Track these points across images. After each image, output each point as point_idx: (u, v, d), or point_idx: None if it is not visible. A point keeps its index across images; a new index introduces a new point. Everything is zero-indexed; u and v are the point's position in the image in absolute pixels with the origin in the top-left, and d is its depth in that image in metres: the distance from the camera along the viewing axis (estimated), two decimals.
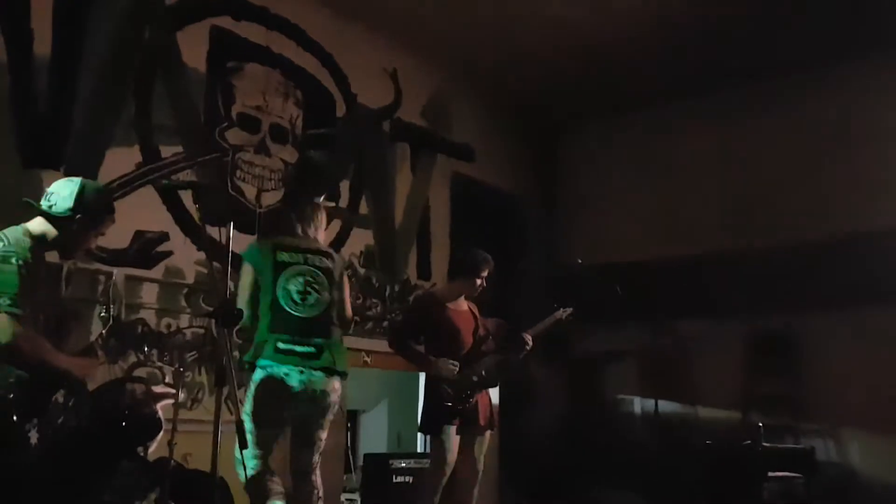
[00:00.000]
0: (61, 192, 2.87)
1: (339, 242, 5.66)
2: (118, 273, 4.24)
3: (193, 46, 4.81)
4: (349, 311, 3.65)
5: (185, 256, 4.65)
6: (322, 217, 3.71)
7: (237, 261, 3.51)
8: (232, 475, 3.58)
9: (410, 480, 4.27)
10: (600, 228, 7.26)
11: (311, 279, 3.45)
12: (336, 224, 5.64)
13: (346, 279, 3.69)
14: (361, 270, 5.82)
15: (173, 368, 3.90)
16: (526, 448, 6.55)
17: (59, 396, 2.79)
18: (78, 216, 2.84)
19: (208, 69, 4.89)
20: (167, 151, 4.62)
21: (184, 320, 4.60)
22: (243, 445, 2.71)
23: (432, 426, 3.97)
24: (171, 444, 3.59)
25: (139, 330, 4.33)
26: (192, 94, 4.81)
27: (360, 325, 5.73)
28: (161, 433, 3.46)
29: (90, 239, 2.97)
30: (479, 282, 4.15)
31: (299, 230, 3.61)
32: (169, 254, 4.55)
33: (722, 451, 4.98)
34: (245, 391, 3.44)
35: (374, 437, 6.94)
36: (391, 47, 6.18)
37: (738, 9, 5.54)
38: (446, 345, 4.04)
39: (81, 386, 2.89)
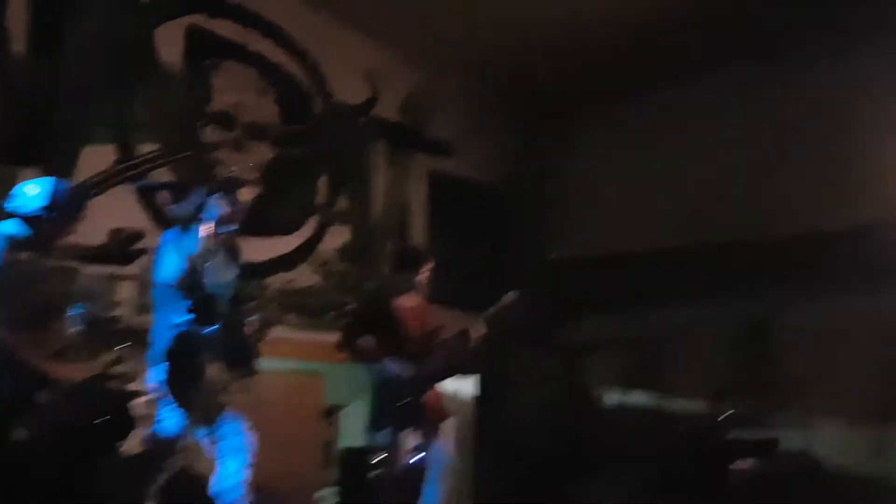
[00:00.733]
0: (29, 193, 2.91)
1: (316, 238, 5.72)
2: (95, 270, 4.26)
3: (170, 44, 4.83)
4: None
5: None
6: None
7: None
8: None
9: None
10: (582, 221, 7.33)
11: None
12: (314, 220, 5.70)
13: None
14: (339, 266, 5.86)
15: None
16: (504, 439, 6.64)
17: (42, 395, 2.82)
18: (49, 216, 2.87)
19: (185, 67, 4.90)
20: (144, 149, 4.63)
21: None
22: None
23: (381, 425, 3.99)
24: None
25: (115, 327, 4.34)
26: (169, 92, 4.82)
27: (339, 320, 5.77)
28: (136, 429, 3.49)
29: (62, 237, 3.00)
30: (424, 275, 4.15)
31: None
32: (146, 251, 4.56)
33: (693, 439, 5.09)
34: None
35: (353, 432, 6.98)
36: (369, 43, 6.20)
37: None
38: (395, 341, 4.05)
39: (58, 387, 2.91)
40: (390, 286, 4.28)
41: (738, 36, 6.13)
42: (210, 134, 5.05)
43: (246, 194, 3.38)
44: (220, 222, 3.21)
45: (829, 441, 5.70)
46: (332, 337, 5.73)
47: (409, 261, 4.22)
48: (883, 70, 6.06)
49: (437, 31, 6.17)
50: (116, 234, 4.42)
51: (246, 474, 3.32)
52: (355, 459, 4.93)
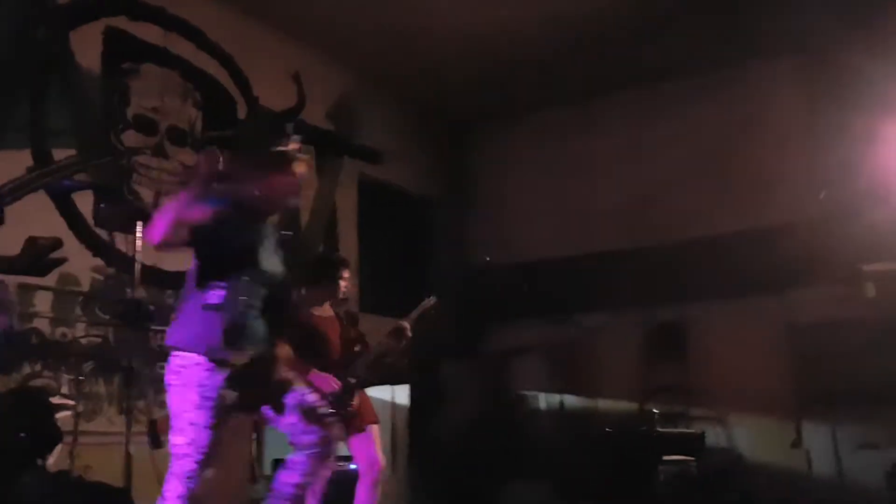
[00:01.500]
0: None
1: None
2: (9, 281, 4.07)
3: (87, 47, 4.66)
4: None
5: (81, 263, 4.49)
6: None
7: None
8: (136, 486, 3.50)
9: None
10: (508, 227, 7.45)
11: None
12: None
13: None
14: None
15: (71, 378, 3.77)
16: (434, 446, 6.64)
17: None
18: None
19: (103, 70, 4.74)
20: (60, 155, 4.45)
21: (79, 329, 4.44)
22: (157, 445, 2.67)
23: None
24: (72, 455, 3.49)
25: (33, 339, 4.15)
26: (87, 96, 4.65)
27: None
28: (60, 444, 3.34)
29: None
30: (342, 285, 4.06)
31: None
32: (63, 261, 4.38)
33: (620, 438, 5.21)
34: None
35: (279, 445, 6.84)
36: (295, 49, 6.15)
37: (643, 11, 5.78)
38: (316, 353, 3.99)
39: None
40: (307, 297, 4.10)
41: (650, 56, 6.41)
42: (129, 139, 4.88)
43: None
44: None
45: (748, 435, 5.95)
46: None
47: (326, 270, 4.11)
48: (780, 88, 6.45)
49: (363, 37, 6.18)
50: (32, 243, 4.25)
51: None
52: None
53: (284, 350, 2.74)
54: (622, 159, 7.08)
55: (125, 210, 4.52)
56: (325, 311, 4.07)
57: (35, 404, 3.35)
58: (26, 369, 4.01)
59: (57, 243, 4.37)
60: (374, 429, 4.09)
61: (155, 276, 4.56)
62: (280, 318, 2.75)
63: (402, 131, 7.29)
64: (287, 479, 2.68)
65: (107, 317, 4.53)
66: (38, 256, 4.25)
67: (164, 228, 2.47)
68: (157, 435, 2.71)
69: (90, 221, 4.53)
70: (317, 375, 3.73)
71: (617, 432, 5.35)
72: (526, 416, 6.88)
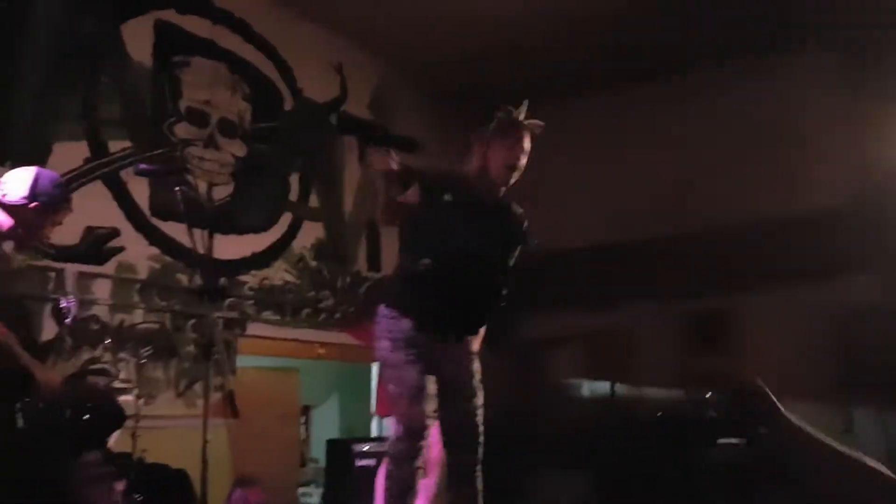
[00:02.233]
0: (15, 181, 2.84)
1: (290, 235, 5.70)
2: (69, 270, 4.20)
3: (139, 40, 4.77)
4: None
5: (137, 252, 4.61)
6: None
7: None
8: (193, 468, 3.60)
9: (374, 463, 4.32)
10: (545, 215, 7.42)
11: None
12: (287, 217, 5.68)
13: None
14: (313, 263, 5.84)
15: (132, 361, 3.89)
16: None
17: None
18: (33, 204, 2.82)
19: (154, 63, 4.85)
20: (115, 146, 4.57)
21: (137, 315, 4.57)
22: (235, 415, 2.77)
23: None
24: (134, 437, 3.60)
25: (93, 326, 4.28)
26: (139, 89, 4.77)
27: (313, 316, 5.76)
28: (122, 426, 3.45)
29: (47, 227, 2.95)
30: None
31: None
32: (121, 249, 4.51)
33: (671, 422, 5.19)
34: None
35: (326, 430, 6.97)
36: (337, 40, 6.20)
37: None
38: None
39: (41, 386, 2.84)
40: None
41: (695, 38, 6.32)
42: (182, 131, 4.98)
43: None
44: None
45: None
46: (307, 334, 5.77)
47: None
48: (825, 68, 6.33)
49: (402, 27, 6.19)
50: (90, 233, 4.38)
51: None
52: (340, 450, 4.93)
53: None
54: (661, 144, 6.99)
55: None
56: None
57: (96, 388, 3.45)
58: (87, 354, 4.14)
59: (114, 232, 4.50)
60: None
61: (212, 265, 4.69)
62: None
63: (441, 120, 7.30)
64: None
65: (164, 303, 4.66)
66: (96, 246, 4.38)
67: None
68: (234, 403, 2.79)
69: (146, 211, 4.65)
70: None
71: (668, 416, 5.33)
72: (567, 405, 6.87)
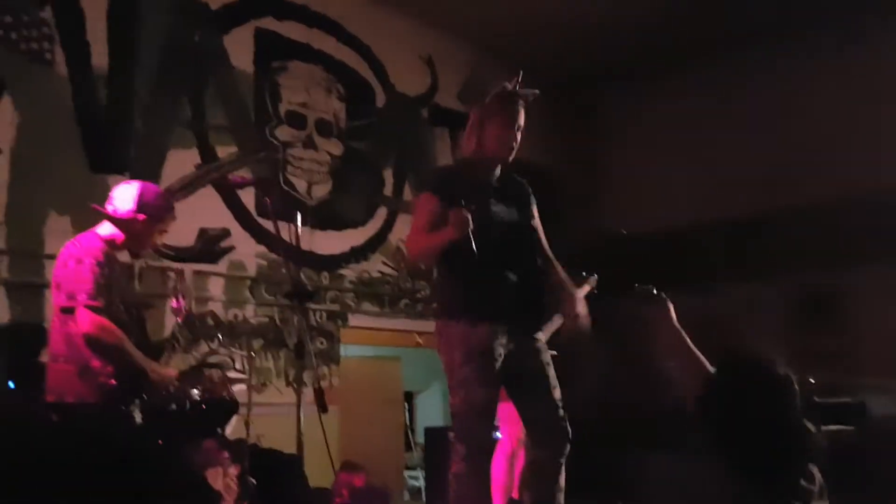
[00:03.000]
0: (122, 197, 3.08)
1: (386, 228, 5.88)
2: (186, 269, 4.51)
3: (240, 49, 5.03)
4: None
5: (246, 250, 4.89)
6: None
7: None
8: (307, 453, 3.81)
9: None
10: (641, 196, 7.30)
11: None
12: (383, 211, 5.86)
13: None
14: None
15: (244, 354, 4.14)
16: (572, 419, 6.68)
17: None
18: (140, 216, 3.05)
19: (255, 70, 5.11)
20: (223, 151, 4.86)
21: (248, 310, 4.86)
22: (324, 410, 2.91)
23: None
24: (247, 424, 3.84)
25: (209, 321, 4.59)
26: (242, 95, 5.04)
27: (411, 306, 5.93)
28: (237, 415, 3.70)
29: (154, 237, 3.18)
30: None
31: None
32: (231, 248, 4.80)
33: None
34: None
35: (430, 416, 7.16)
36: (427, 32, 6.29)
37: None
38: None
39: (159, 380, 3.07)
40: None
41: (785, 7, 6.05)
42: (282, 133, 5.23)
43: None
44: None
45: None
46: (406, 323, 5.95)
47: None
48: None
49: (488, 17, 6.21)
50: (203, 234, 4.68)
51: None
52: (438, 438, 5.08)
53: None
54: (761, 117, 6.72)
55: (285, 201, 4.87)
56: None
57: (212, 380, 3.70)
58: (204, 348, 4.44)
59: (225, 233, 4.80)
60: None
61: (312, 260, 4.92)
62: None
63: (530, 105, 7.28)
64: None
65: (272, 298, 4.94)
66: (209, 246, 4.69)
67: (417, 254, 2.94)
68: (323, 400, 2.96)
69: (253, 212, 4.93)
70: None
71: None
72: (670, 387, 6.76)
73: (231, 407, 3.54)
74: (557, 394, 2.77)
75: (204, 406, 3.38)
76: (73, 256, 2.93)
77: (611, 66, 7.15)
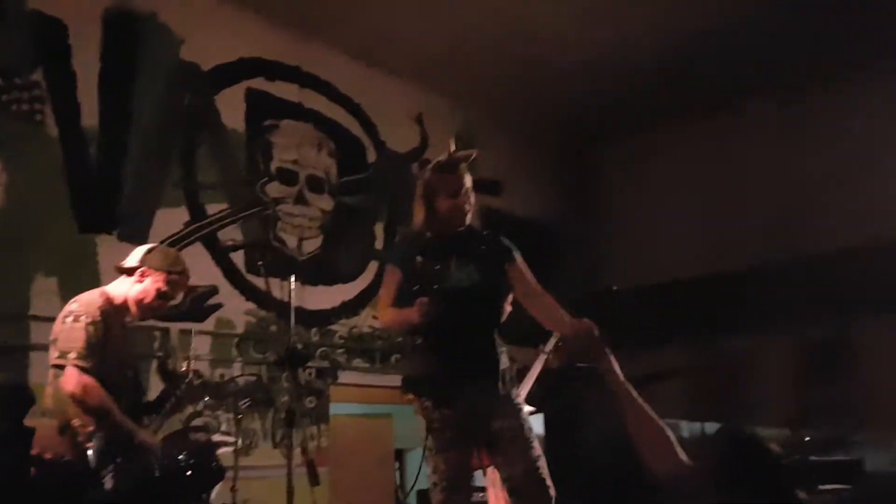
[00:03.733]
0: (136, 256, 3.13)
1: (376, 283, 5.85)
2: (172, 328, 4.46)
3: (232, 108, 5.08)
4: None
5: (234, 307, 4.86)
6: None
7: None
8: None
9: None
10: (639, 249, 7.31)
11: None
12: (374, 265, 5.85)
13: None
14: None
15: (231, 416, 4.07)
16: (572, 476, 6.58)
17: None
18: (151, 275, 3.07)
19: (247, 128, 5.15)
20: (213, 209, 4.86)
21: (235, 368, 4.80)
22: (315, 483, 2.85)
23: None
24: (233, 490, 3.76)
25: (194, 381, 4.51)
26: (233, 153, 5.07)
27: (403, 361, 5.87)
28: (222, 479, 3.62)
29: (166, 298, 3.18)
30: None
31: None
32: (220, 306, 4.77)
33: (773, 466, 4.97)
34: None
35: (420, 474, 7.01)
36: (416, 91, 6.37)
37: (770, 18, 5.55)
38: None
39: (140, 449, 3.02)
40: None
41: (787, 60, 6.14)
42: (273, 190, 5.25)
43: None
44: None
45: None
46: (397, 379, 5.85)
47: None
48: None
49: (480, 72, 6.30)
50: (191, 292, 4.64)
51: None
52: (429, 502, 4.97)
53: None
54: (761, 168, 6.78)
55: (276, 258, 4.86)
56: None
57: (198, 443, 3.63)
58: (189, 409, 4.37)
59: (214, 290, 4.77)
60: None
61: (303, 315, 4.88)
62: None
63: (524, 161, 7.36)
64: None
65: (260, 356, 4.89)
66: (198, 304, 4.65)
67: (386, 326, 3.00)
68: (315, 472, 2.90)
69: (243, 269, 4.91)
70: None
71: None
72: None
73: (216, 473, 3.47)
74: (536, 453, 2.75)
75: (188, 472, 3.32)
76: (72, 313, 2.97)
77: (609, 121, 7.24)
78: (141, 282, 3.10)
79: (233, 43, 5.13)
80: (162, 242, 4.47)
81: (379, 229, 6.00)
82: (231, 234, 4.87)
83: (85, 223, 4.34)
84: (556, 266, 7.60)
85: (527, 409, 2.90)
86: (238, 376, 4.74)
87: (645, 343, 6.83)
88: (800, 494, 1.86)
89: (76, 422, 2.84)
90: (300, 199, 5.40)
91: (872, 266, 5.88)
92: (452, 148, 2.92)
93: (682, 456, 1.87)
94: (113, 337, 3.03)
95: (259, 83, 5.26)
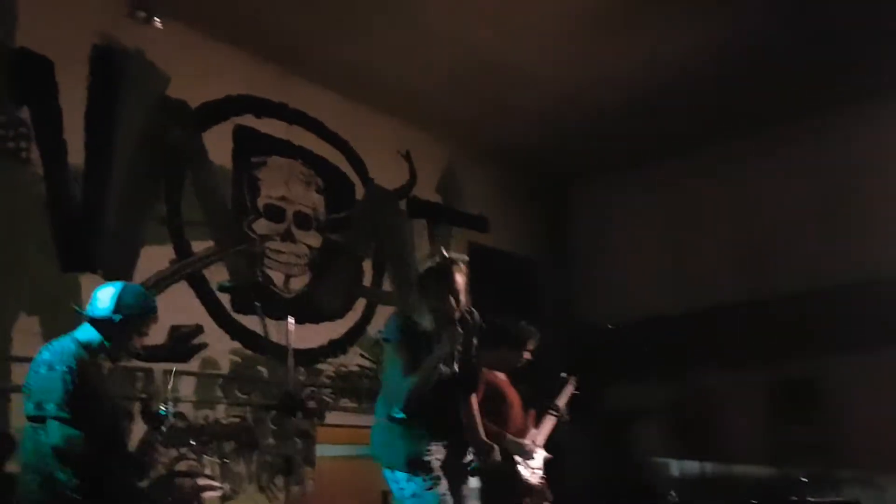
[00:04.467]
0: (101, 298, 3.01)
1: (364, 320, 5.79)
2: (155, 368, 4.37)
3: (219, 145, 5.04)
4: None
5: (220, 347, 4.77)
6: None
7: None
8: None
9: None
10: (617, 285, 7.33)
11: None
12: (361, 302, 5.79)
13: None
14: None
15: (216, 461, 3.97)
16: None
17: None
18: (119, 318, 2.97)
19: (234, 165, 5.11)
20: (199, 246, 4.79)
21: (219, 410, 4.70)
22: None
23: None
24: None
25: (178, 423, 4.41)
26: (220, 190, 5.02)
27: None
28: None
29: (134, 339, 3.09)
30: (525, 355, 4.12)
31: None
32: (204, 346, 4.68)
33: None
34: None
35: None
36: (403, 128, 6.38)
37: (741, 59, 5.60)
38: (507, 417, 3.98)
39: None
40: (488, 360, 3.91)
41: (758, 100, 6.22)
42: (260, 227, 5.19)
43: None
44: None
45: None
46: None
47: (514, 337, 4.14)
48: None
49: (464, 111, 6.31)
50: (175, 331, 4.56)
51: None
52: None
53: None
54: (734, 208, 6.86)
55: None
56: (501, 376, 4.13)
57: (184, 488, 3.54)
58: (173, 453, 4.26)
59: (198, 329, 4.69)
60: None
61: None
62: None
63: (508, 196, 7.36)
64: None
65: (245, 396, 4.79)
66: (181, 343, 4.56)
67: None
68: None
69: (228, 307, 4.83)
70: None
71: (759, 499, 5.07)
72: (652, 484, 6.61)
73: None
74: None
75: None
76: (46, 363, 2.85)
77: (587, 160, 7.28)
78: (112, 325, 2.98)
79: (220, 80, 5.11)
80: (148, 280, 4.43)
81: (367, 266, 5.95)
82: (217, 272, 4.79)
83: (67, 262, 4.26)
84: (537, 299, 7.60)
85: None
86: (223, 418, 4.66)
87: (619, 380, 6.81)
88: None
89: (60, 475, 2.73)
90: (287, 236, 5.34)
91: (843, 305, 5.92)
92: (446, 252, 3.24)
93: None
94: (91, 385, 2.92)
95: (247, 120, 5.23)
